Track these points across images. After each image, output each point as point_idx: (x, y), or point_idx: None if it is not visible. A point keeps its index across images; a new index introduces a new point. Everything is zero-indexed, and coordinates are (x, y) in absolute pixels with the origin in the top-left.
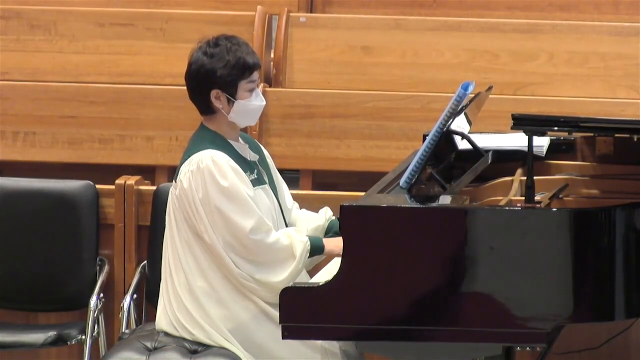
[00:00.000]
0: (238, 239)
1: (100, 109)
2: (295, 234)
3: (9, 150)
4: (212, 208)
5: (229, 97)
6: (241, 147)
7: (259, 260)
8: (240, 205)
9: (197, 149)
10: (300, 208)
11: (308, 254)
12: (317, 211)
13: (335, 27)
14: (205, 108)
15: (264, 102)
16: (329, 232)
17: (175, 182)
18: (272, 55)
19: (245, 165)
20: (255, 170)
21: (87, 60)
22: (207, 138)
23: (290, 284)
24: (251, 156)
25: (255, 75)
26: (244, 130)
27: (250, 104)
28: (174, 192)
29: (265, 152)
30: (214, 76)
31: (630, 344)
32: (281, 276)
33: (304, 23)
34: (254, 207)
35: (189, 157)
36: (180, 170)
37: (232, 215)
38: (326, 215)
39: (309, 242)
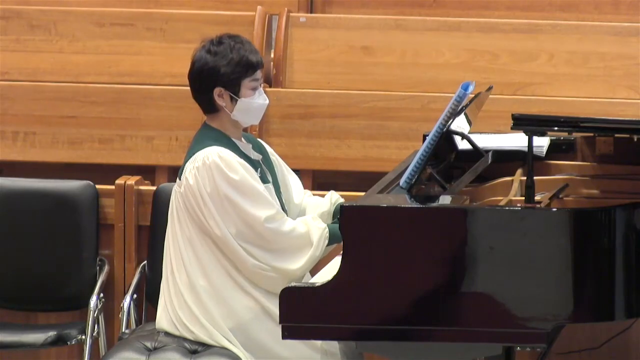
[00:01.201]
0: (253, 228)
1: (100, 109)
2: (312, 222)
3: (9, 150)
4: (223, 200)
5: (232, 95)
6: (244, 146)
7: (276, 248)
8: (252, 197)
9: (201, 146)
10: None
11: (326, 241)
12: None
13: (335, 27)
14: (209, 106)
15: (267, 101)
16: (336, 216)
17: (180, 180)
18: (272, 55)
19: (249, 163)
20: (259, 169)
21: (87, 60)
22: (211, 136)
23: (291, 284)
24: (254, 155)
25: (259, 73)
26: (246, 130)
27: (253, 102)
28: (178, 190)
29: (270, 149)
30: (217, 74)
31: (630, 344)
32: (299, 263)
33: (304, 23)
34: (267, 198)
35: (194, 154)
36: (184, 168)
37: (246, 207)
38: (332, 199)
39: (327, 229)
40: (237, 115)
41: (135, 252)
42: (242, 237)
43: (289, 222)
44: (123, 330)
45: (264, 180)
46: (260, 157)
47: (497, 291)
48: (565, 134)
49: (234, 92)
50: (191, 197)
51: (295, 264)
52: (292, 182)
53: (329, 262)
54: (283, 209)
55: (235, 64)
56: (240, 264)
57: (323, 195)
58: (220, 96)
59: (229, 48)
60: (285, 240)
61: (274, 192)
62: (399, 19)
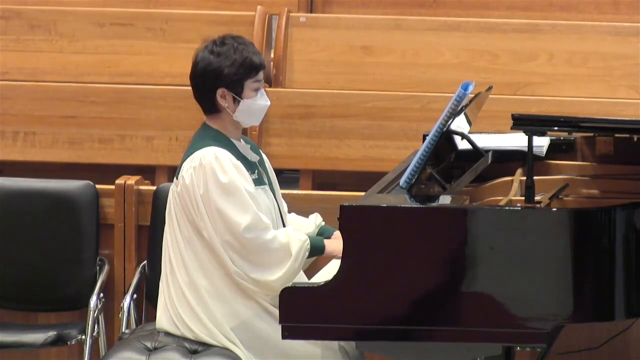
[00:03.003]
0: (234, 234)
1: (100, 109)
2: (294, 233)
3: (9, 150)
4: (212, 205)
5: (234, 96)
6: (243, 147)
7: (254, 259)
8: (236, 201)
9: (200, 146)
10: (300, 209)
11: (307, 253)
12: (312, 213)
13: (335, 27)
14: (210, 107)
15: (269, 102)
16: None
17: (177, 179)
18: (272, 55)
19: (247, 164)
20: (257, 171)
21: (87, 60)
22: (211, 136)
23: (290, 284)
24: (252, 157)
25: (261, 75)
26: (244, 132)
27: (255, 104)
28: (175, 189)
29: (264, 156)
30: (221, 75)
31: (630, 344)
32: (276, 274)
33: (304, 23)
34: (250, 204)
35: (192, 154)
36: (182, 167)
37: (229, 212)
38: (316, 221)
39: (308, 242)
40: (239, 116)
41: (135, 252)
42: (226, 244)
43: (270, 232)
44: (123, 330)
45: (261, 182)
46: (258, 158)
47: (497, 291)
48: (565, 134)
49: (237, 93)
50: (186, 196)
51: (273, 275)
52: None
53: (328, 262)
54: (280, 211)
55: (238, 65)
56: (224, 269)
57: (322, 195)
58: (222, 97)
59: (232, 49)
60: (264, 250)
61: (270, 194)
62: (399, 19)
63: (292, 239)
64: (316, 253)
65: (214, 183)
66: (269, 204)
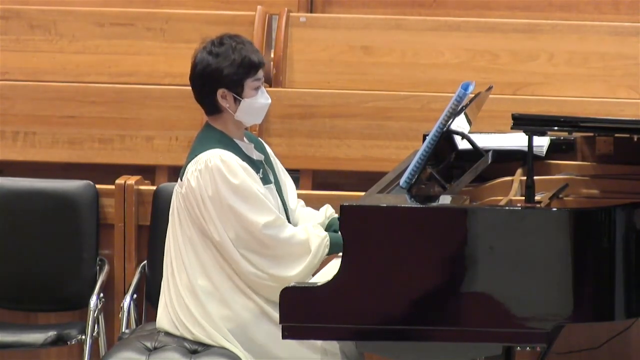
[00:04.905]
0: (252, 234)
1: (100, 109)
2: (313, 229)
3: (9, 150)
4: (224, 206)
5: (235, 95)
6: (247, 146)
7: (274, 254)
8: (252, 202)
9: (204, 148)
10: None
11: (327, 250)
12: (318, 209)
13: (335, 27)
14: (212, 108)
15: (270, 100)
16: (329, 229)
17: (181, 180)
18: (272, 55)
19: (252, 164)
20: (261, 170)
21: (87, 60)
22: (214, 137)
23: (291, 284)
24: (257, 155)
25: (261, 73)
26: (247, 129)
27: (256, 102)
28: (180, 191)
29: (270, 150)
30: (221, 75)
31: (630, 344)
32: (295, 270)
33: (304, 23)
34: (267, 204)
35: (196, 156)
36: (186, 169)
37: (245, 212)
38: (326, 213)
39: (327, 238)
40: (241, 116)
41: (135, 252)
42: (241, 242)
43: (289, 229)
44: (123, 330)
45: (266, 180)
46: (263, 157)
47: (497, 291)
48: (565, 134)
49: (237, 92)
50: (192, 199)
51: (292, 271)
52: (289, 186)
53: (329, 262)
54: (285, 209)
55: (238, 64)
56: (238, 270)
57: (322, 195)
58: (223, 97)
59: (230, 49)
60: (284, 247)
61: (275, 193)
62: (399, 19)
63: (312, 235)
64: (336, 250)
65: (224, 185)
66: (274, 203)
